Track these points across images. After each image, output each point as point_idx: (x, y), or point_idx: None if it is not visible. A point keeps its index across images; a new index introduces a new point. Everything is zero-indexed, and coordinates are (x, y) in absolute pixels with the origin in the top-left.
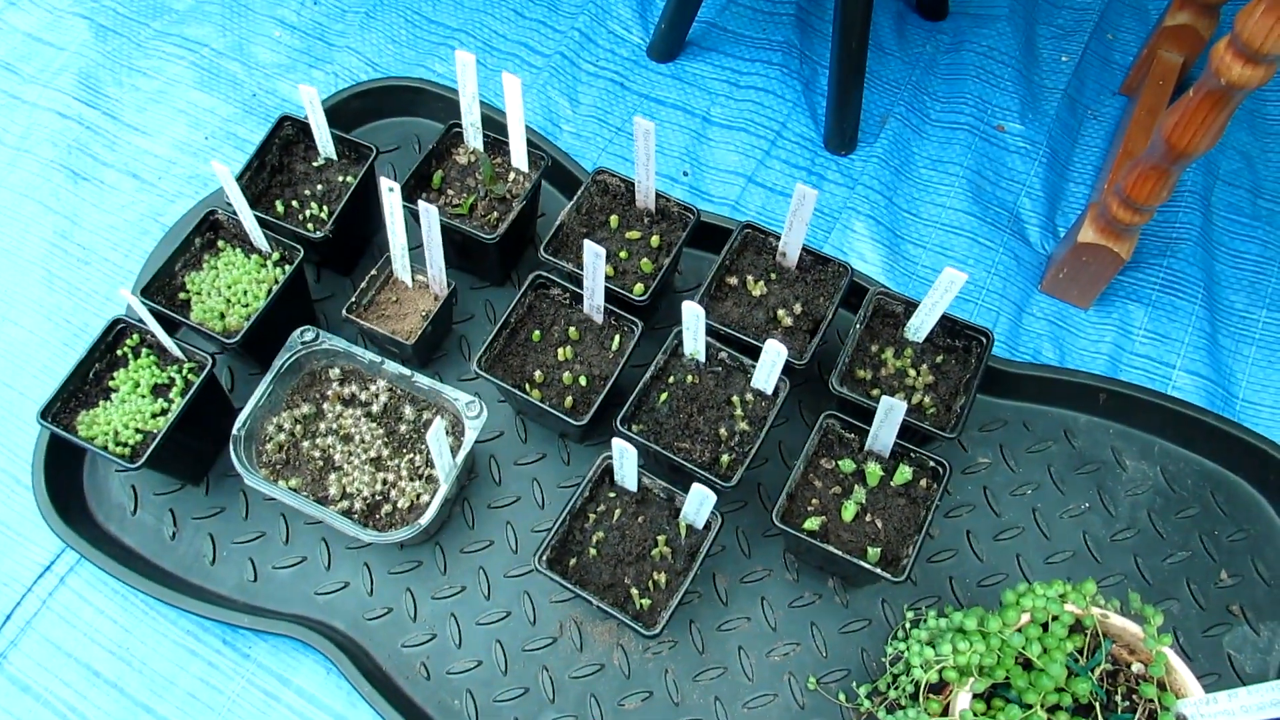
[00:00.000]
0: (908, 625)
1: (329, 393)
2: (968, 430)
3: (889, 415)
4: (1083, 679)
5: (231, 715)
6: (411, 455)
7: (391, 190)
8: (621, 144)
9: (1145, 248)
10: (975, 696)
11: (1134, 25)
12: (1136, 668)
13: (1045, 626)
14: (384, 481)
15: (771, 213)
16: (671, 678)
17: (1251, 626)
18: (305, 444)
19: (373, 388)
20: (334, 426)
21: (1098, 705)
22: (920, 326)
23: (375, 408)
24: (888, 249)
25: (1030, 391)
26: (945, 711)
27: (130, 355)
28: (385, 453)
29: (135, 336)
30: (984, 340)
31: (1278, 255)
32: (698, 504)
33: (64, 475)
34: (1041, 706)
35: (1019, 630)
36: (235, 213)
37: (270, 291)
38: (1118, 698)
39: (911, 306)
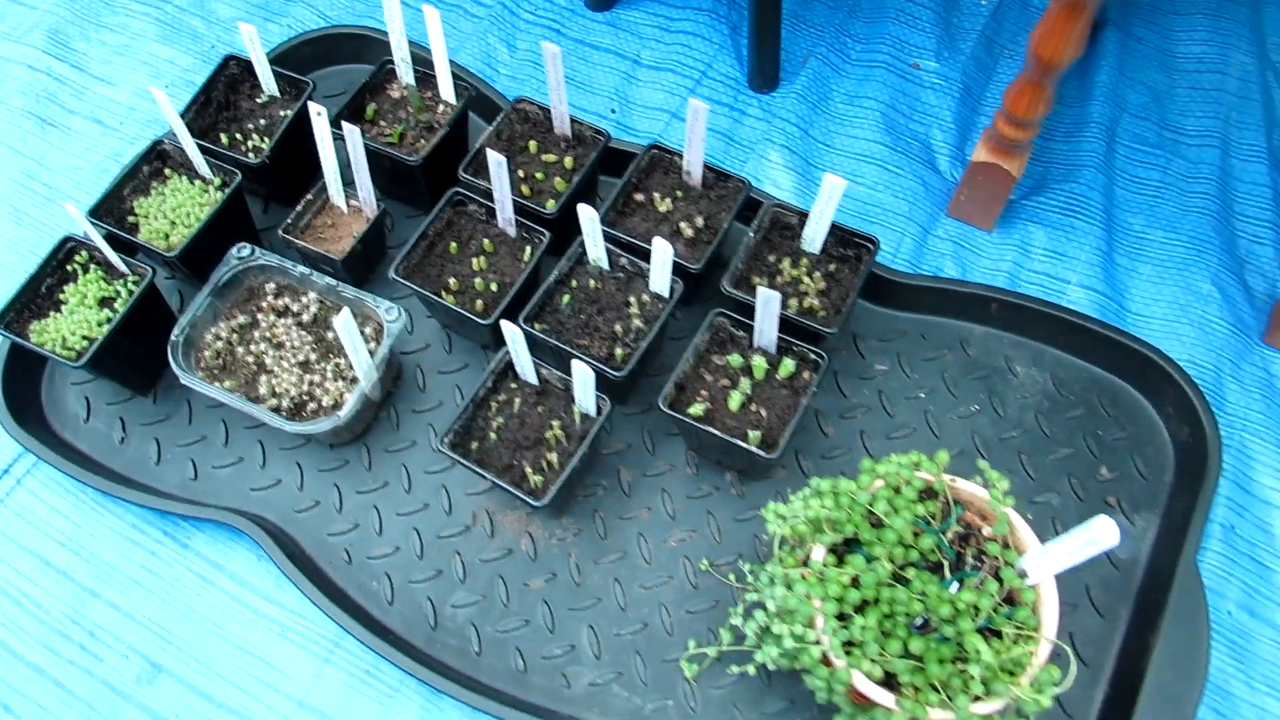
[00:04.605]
0: None
1: (264, 304)
2: (867, 340)
3: (766, 306)
4: (929, 535)
5: (170, 597)
6: (337, 360)
7: (319, 114)
8: None
9: (1050, 174)
10: (830, 552)
11: None
12: (987, 531)
13: (898, 491)
14: (310, 383)
15: None
16: (575, 561)
17: (1127, 517)
18: (240, 350)
19: (304, 299)
20: (267, 335)
21: (946, 563)
22: (813, 237)
23: (305, 317)
24: (800, 176)
25: (927, 303)
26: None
27: (80, 271)
28: (313, 357)
29: (84, 254)
30: (872, 247)
31: (1176, 180)
32: (582, 384)
33: (22, 387)
34: (890, 560)
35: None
36: (181, 143)
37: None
38: (969, 558)
39: (806, 219)
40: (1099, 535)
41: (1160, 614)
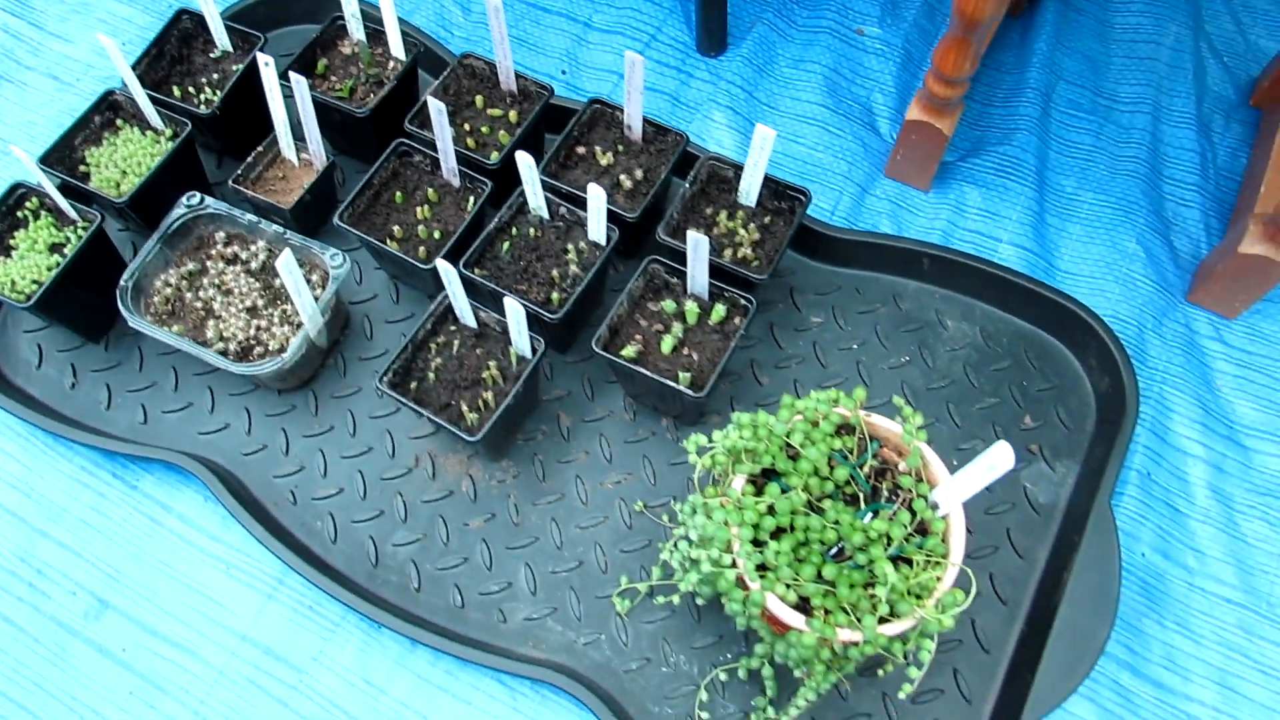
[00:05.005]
0: None
1: (213, 253)
2: (804, 294)
3: (697, 249)
4: (844, 467)
5: (118, 537)
6: (284, 306)
7: (267, 65)
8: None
9: (987, 138)
10: (751, 483)
11: None
12: (902, 466)
13: (816, 425)
14: (257, 328)
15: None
16: (513, 502)
17: (1048, 463)
18: (189, 296)
19: (253, 248)
20: (216, 281)
21: (862, 495)
22: (749, 190)
23: (254, 265)
24: (743, 136)
25: (863, 259)
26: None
27: (30, 217)
28: (260, 303)
29: (35, 200)
30: (804, 199)
31: (1108, 144)
32: (516, 323)
33: None
34: (806, 490)
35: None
36: (132, 94)
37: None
38: (885, 492)
39: (742, 172)
40: (997, 460)
41: (1074, 553)
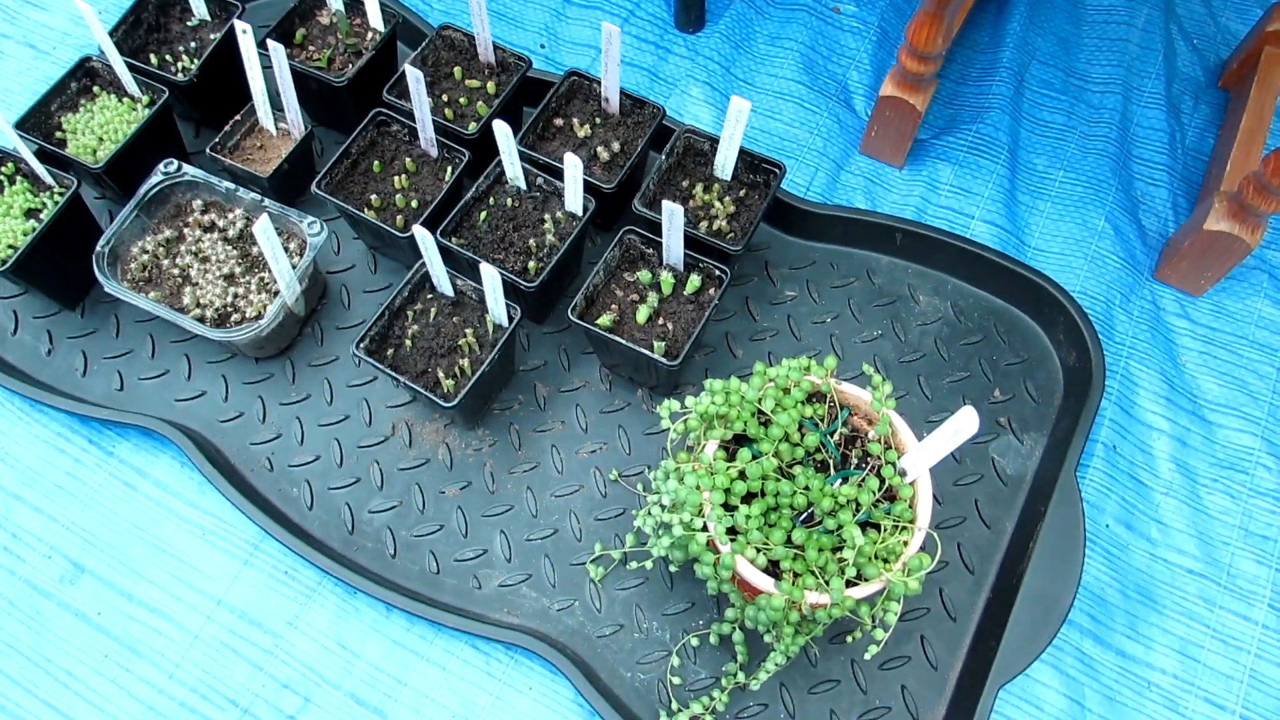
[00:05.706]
0: None
1: (190, 220)
2: (779, 268)
3: (672, 219)
4: (814, 434)
5: (94, 502)
6: (261, 274)
7: (245, 32)
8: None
9: (960, 116)
10: (723, 449)
11: None
12: (872, 434)
13: (787, 392)
14: (234, 295)
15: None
16: (489, 470)
17: (1016, 436)
18: (165, 263)
19: (230, 215)
20: (193, 249)
21: (832, 462)
22: (725, 163)
23: (232, 233)
24: (720, 111)
25: (837, 233)
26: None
27: (5, 183)
28: (238, 271)
29: (10, 166)
30: (778, 171)
31: (1079, 124)
32: (492, 289)
33: None
34: (776, 456)
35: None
36: (109, 60)
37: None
38: (855, 459)
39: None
40: (963, 424)
41: (1040, 524)
